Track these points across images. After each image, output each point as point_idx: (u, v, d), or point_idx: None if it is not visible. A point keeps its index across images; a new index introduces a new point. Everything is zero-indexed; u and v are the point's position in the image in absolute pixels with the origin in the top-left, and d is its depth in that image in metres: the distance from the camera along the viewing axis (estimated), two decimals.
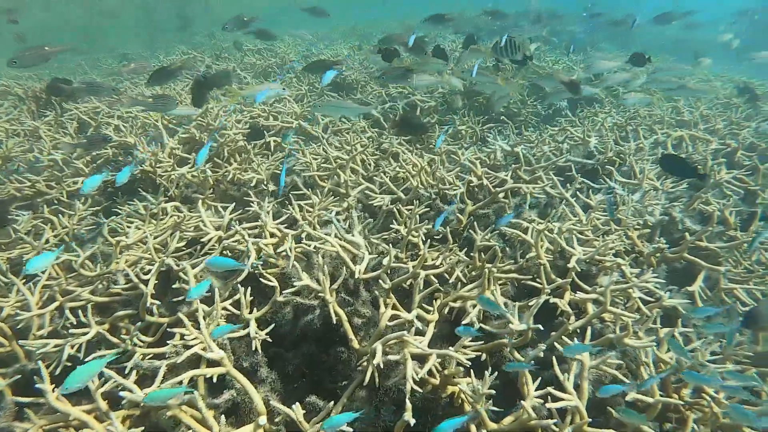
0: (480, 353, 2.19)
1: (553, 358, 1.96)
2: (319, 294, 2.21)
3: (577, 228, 2.76)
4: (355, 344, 2.16)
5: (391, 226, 2.70)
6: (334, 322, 2.17)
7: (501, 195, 3.12)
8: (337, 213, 3.08)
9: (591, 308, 2.32)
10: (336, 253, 2.43)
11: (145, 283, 2.27)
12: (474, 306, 2.28)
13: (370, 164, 3.62)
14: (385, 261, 2.31)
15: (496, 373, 1.84)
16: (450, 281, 2.50)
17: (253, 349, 2.12)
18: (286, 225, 2.87)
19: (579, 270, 2.48)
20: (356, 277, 2.27)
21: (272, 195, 3.55)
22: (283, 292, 2.25)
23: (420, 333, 2.14)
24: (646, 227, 3.10)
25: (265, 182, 3.55)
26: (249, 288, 2.27)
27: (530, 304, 2.31)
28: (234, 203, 3.20)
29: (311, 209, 2.92)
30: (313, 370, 2.41)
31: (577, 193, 3.16)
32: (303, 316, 2.34)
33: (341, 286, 2.39)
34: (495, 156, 3.67)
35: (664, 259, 2.96)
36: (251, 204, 2.96)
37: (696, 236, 2.90)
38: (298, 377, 2.43)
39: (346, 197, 3.17)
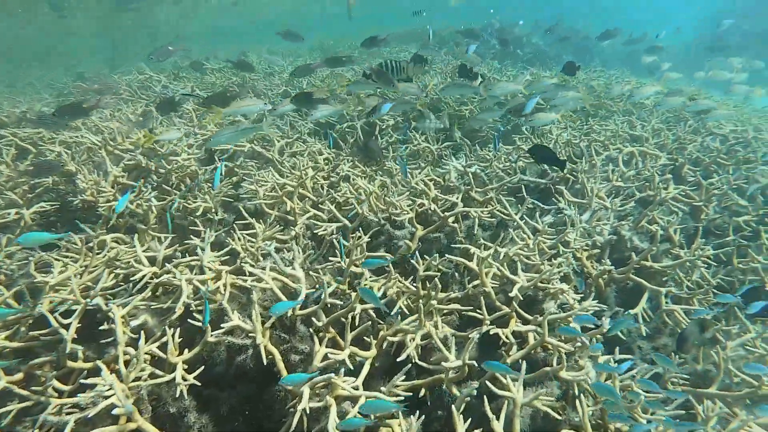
0: (413, 391, 2.14)
1: (484, 396, 1.91)
2: (250, 334, 2.13)
3: (524, 253, 2.74)
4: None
5: (331, 258, 2.64)
6: (265, 363, 2.09)
7: (451, 219, 3.08)
8: (285, 242, 3.02)
9: (532, 338, 2.28)
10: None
11: (67, 326, 2.16)
12: (413, 340, 2.23)
13: (322, 188, 3.56)
14: (327, 294, 2.24)
15: (423, 416, 1.78)
16: (392, 312, 2.44)
17: (177, 395, 2.02)
18: (228, 257, 2.80)
19: (521, 298, 2.44)
20: (289, 314, 2.20)
21: (220, 223, 3.47)
22: (213, 332, 2.16)
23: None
24: (595, 247, 3.09)
25: (213, 209, 3.47)
26: (178, 329, 2.19)
27: (470, 335, 2.27)
28: (174, 235, 3.13)
29: (253, 240, 2.84)
30: (251, 410, 2.33)
31: (525, 216, 3.14)
32: (237, 355, 2.26)
33: (277, 323, 2.32)
34: (449, 177, 3.64)
35: (612, 280, 2.96)
36: (198, 234, 2.88)
37: (640, 257, 2.90)
38: (235, 418, 2.34)
39: (293, 226, 3.10)
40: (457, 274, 2.87)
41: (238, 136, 3.50)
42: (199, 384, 2.12)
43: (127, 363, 2.05)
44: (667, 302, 2.82)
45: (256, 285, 2.32)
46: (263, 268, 2.42)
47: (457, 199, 3.21)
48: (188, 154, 4.01)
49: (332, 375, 1.87)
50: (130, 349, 2.13)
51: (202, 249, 2.74)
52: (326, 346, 2.19)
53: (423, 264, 2.52)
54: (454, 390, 2.13)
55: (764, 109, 6.10)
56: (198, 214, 3.34)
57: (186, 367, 2.20)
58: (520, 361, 2.22)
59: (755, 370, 2.33)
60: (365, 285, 2.54)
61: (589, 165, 3.80)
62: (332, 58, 4.29)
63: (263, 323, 2.23)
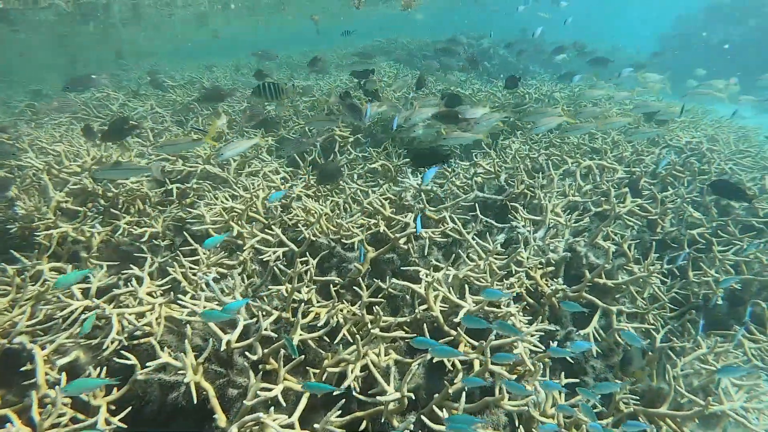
0: (356, 424, 2.05)
1: None
2: (179, 372, 2.02)
3: (474, 274, 2.68)
4: (222, 422, 1.98)
5: (270, 287, 2.55)
6: (195, 401, 1.99)
7: (402, 240, 3.02)
8: (233, 268, 2.92)
9: (478, 364, 2.22)
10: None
11: None
12: (353, 371, 2.14)
13: (275, 210, 3.47)
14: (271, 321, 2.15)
15: None
16: (335, 341, 2.36)
17: None
18: (169, 286, 2.70)
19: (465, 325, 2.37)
20: (223, 348, 2.10)
21: (168, 249, 3.35)
22: (141, 371, 2.05)
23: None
24: (549, 265, 3.05)
25: (160, 234, 3.35)
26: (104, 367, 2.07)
27: (413, 365, 2.19)
28: (114, 262, 3.02)
29: (195, 267, 2.74)
30: None
31: (478, 235, 3.09)
32: (170, 393, 2.14)
33: (213, 356, 2.22)
34: (405, 195, 3.58)
35: (566, 298, 2.91)
36: (137, 264, 2.77)
37: (593, 274, 2.87)
38: None
39: (241, 251, 3.01)
40: (408, 296, 2.80)
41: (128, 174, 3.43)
42: (125, 426, 2.00)
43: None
44: (619, 320, 2.79)
45: (188, 319, 2.21)
46: (200, 299, 2.32)
47: (410, 219, 3.15)
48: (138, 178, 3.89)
49: (260, 415, 1.77)
50: (52, 392, 2.00)
51: (137, 279, 2.64)
52: (269, 379, 2.10)
53: (368, 290, 2.45)
54: (395, 422, 2.05)
55: (722, 120, 6.20)
56: (144, 240, 3.22)
57: (114, 408, 2.10)
58: (467, 389, 2.17)
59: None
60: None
61: (547, 180, 3.78)
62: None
63: (197, 357, 2.13)
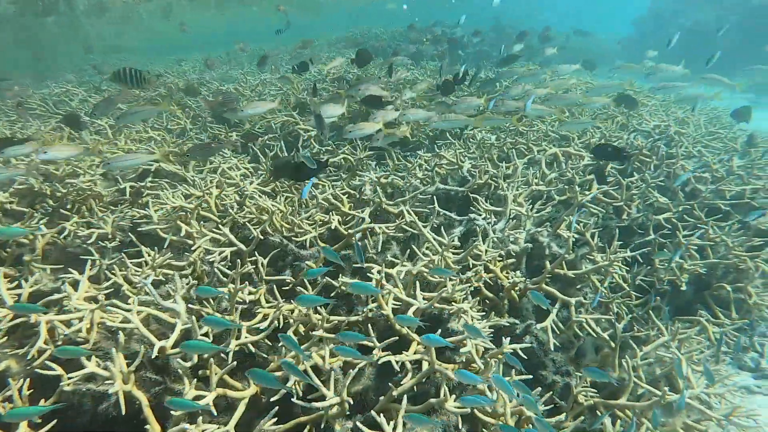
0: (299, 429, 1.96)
1: None
2: (107, 381, 1.92)
3: (428, 270, 2.59)
4: None
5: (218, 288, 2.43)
6: (124, 411, 1.88)
7: (357, 237, 2.92)
8: (182, 269, 2.81)
9: (426, 365, 2.13)
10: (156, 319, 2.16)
11: None
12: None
13: (232, 207, 3.35)
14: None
15: None
16: (280, 344, 2.26)
17: None
18: (112, 290, 2.58)
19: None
20: (155, 355, 2.00)
21: (117, 250, 3.22)
22: (66, 381, 1.94)
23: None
24: (510, 257, 2.98)
25: (110, 235, 3.22)
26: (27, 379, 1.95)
27: (360, 365, 2.11)
28: (58, 266, 2.89)
29: (139, 270, 2.62)
30: None
31: (436, 229, 3.00)
32: (100, 403, 2.04)
33: (147, 363, 2.11)
34: (364, 189, 3.48)
35: (526, 291, 2.84)
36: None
37: (553, 265, 2.79)
38: None
39: (191, 252, 2.89)
40: (363, 295, 2.71)
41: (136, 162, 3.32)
42: None
43: None
44: (580, 311, 2.72)
45: (120, 326, 2.10)
46: (133, 303, 2.20)
47: (366, 213, 3.05)
48: (91, 175, 3.76)
49: (185, 426, 1.67)
50: None
51: (73, 283, 2.52)
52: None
53: (318, 288, 2.35)
54: (337, 426, 1.96)
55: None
56: (91, 241, 3.09)
57: (40, 420, 1.98)
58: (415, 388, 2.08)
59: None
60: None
61: (512, 169, 3.69)
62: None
63: (129, 365, 2.02)
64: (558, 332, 2.62)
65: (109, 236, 3.21)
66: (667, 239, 3.44)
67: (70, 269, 2.66)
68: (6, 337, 2.26)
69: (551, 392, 2.50)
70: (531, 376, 2.19)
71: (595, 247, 3.06)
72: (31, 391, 1.99)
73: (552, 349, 2.49)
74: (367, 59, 5.40)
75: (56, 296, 2.38)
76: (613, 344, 2.65)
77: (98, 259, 2.85)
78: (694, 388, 2.43)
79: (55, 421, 1.93)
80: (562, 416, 2.36)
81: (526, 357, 2.28)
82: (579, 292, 2.96)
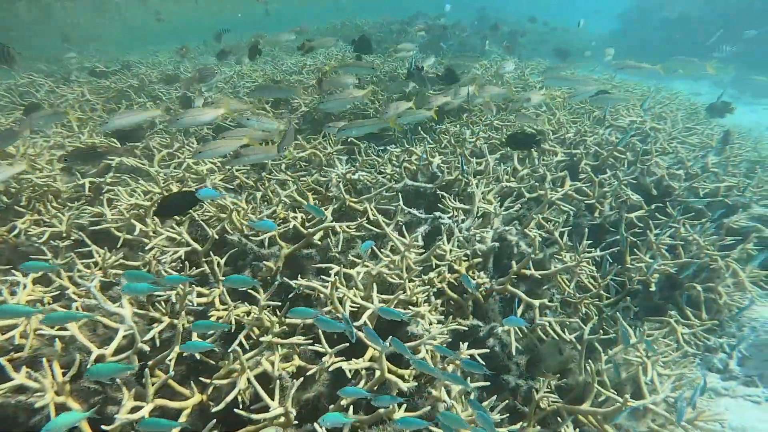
0: None
1: None
2: (37, 394, 1.81)
3: (388, 271, 2.51)
4: None
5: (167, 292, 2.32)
6: None
7: (316, 237, 2.82)
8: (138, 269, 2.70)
9: (378, 374, 2.05)
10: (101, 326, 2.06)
11: None
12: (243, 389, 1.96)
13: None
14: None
15: None
16: (229, 349, 2.17)
17: None
18: (58, 292, 2.47)
19: (370, 325, 2.20)
20: (91, 364, 1.89)
21: (72, 249, 3.09)
22: None
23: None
24: (476, 257, 2.90)
25: (63, 234, 3.09)
26: None
27: (309, 371, 2.02)
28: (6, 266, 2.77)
29: (87, 271, 2.51)
30: None
31: (401, 228, 2.91)
32: (33, 416, 1.93)
33: (83, 375, 2.00)
34: (331, 185, 3.38)
35: (491, 292, 2.77)
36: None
37: (519, 265, 2.72)
38: None
39: (147, 251, 2.78)
40: (322, 296, 2.62)
41: None
42: None
43: None
44: (545, 314, 2.66)
45: (56, 333, 1.99)
46: (83, 307, 2.10)
47: (329, 212, 2.96)
48: (49, 171, 3.62)
49: None
50: None
51: (24, 286, 2.41)
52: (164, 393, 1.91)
53: (265, 293, 2.25)
54: None
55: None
56: (42, 240, 2.96)
57: None
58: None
59: None
60: None
61: (484, 165, 3.61)
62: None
63: (65, 374, 1.91)
64: (522, 335, 2.55)
65: (63, 234, 3.08)
66: (638, 238, 3.39)
67: (14, 271, 2.54)
68: None
69: (514, 397, 2.45)
70: (489, 384, 2.11)
71: (564, 246, 2.99)
72: None
73: (514, 352, 2.42)
74: (368, 46, 5.26)
75: None
76: (579, 347, 2.59)
77: (51, 259, 2.75)
78: (659, 392, 2.38)
79: None
80: (524, 423, 2.30)
81: (483, 363, 2.21)
82: (546, 291, 2.89)
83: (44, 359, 1.86)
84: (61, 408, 1.88)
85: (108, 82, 6.14)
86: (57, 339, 1.99)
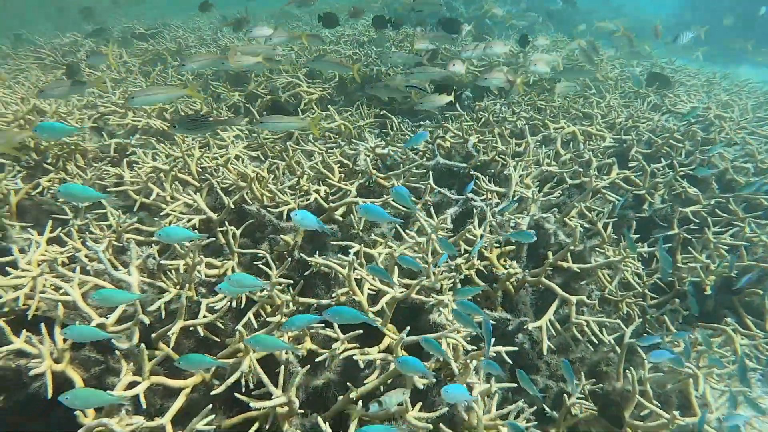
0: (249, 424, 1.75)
1: None
2: (35, 360, 1.72)
3: (412, 254, 2.32)
4: (87, 419, 1.67)
5: (164, 263, 2.21)
6: (50, 394, 1.69)
7: (338, 212, 2.66)
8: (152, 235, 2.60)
9: (393, 366, 1.88)
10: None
11: None
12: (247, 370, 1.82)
13: (216, 171, 3.11)
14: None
15: None
16: (238, 327, 2.03)
17: None
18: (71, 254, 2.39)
19: (388, 313, 2.03)
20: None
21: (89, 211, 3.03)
22: None
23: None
24: (509, 244, 2.68)
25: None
26: None
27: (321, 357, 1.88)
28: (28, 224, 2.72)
29: (99, 234, 2.42)
30: None
31: (418, 208, 2.71)
32: (34, 381, 1.86)
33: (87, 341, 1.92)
34: (359, 159, 3.19)
35: (525, 283, 2.55)
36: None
37: (556, 257, 2.49)
38: None
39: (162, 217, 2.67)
40: (340, 276, 2.46)
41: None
42: None
43: None
44: (582, 312, 2.43)
45: (58, 298, 1.90)
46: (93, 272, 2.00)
47: (354, 186, 2.78)
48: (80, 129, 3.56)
49: (102, 420, 1.47)
50: None
51: (38, 245, 2.34)
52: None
53: (278, 268, 2.10)
54: (286, 426, 1.74)
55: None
56: (63, 199, 2.89)
57: None
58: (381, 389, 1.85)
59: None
60: None
61: (524, 146, 3.35)
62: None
63: (65, 341, 1.82)
64: (555, 333, 2.33)
65: None
66: (693, 235, 3.08)
67: (30, 230, 2.48)
68: None
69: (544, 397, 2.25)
70: (515, 385, 1.92)
71: (607, 238, 2.73)
72: None
73: (545, 351, 2.21)
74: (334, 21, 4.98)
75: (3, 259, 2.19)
76: (618, 350, 2.35)
77: (71, 219, 2.69)
78: (712, 411, 2.12)
79: None
80: (552, 430, 2.11)
81: (510, 362, 2.01)
82: (585, 288, 2.65)
83: (42, 325, 1.76)
84: (60, 376, 1.79)
85: (146, 45, 6.08)
86: (60, 304, 1.90)
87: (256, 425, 1.78)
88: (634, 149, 3.46)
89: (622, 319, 2.58)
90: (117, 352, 1.81)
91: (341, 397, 1.81)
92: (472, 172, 3.08)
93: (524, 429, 1.53)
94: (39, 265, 2.14)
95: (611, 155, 3.40)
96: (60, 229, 2.51)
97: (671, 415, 1.93)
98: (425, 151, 3.31)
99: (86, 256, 2.34)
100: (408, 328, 1.73)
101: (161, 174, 2.87)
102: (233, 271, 2.38)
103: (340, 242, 2.49)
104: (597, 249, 2.77)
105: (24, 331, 1.79)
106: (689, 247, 2.94)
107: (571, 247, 2.51)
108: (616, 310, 2.61)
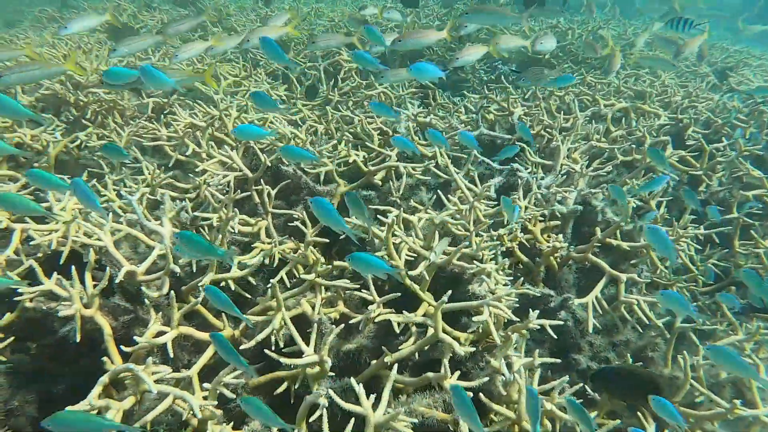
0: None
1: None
2: (64, 303, 1.69)
3: (453, 221, 2.21)
4: (109, 365, 1.63)
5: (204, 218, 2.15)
6: (78, 338, 1.66)
7: (377, 177, 2.56)
8: (187, 192, 2.56)
9: (431, 332, 1.78)
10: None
11: None
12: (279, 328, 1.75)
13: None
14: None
15: None
16: (268, 285, 1.97)
17: None
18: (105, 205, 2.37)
19: (427, 278, 1.93)
20: (120, 279, 1.75)
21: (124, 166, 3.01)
22: (26, 296, 1.73)
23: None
24: (554, 218, 2.54)
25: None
26: None
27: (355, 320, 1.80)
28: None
29: (134, 187, 2.39)
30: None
31: (460, 177, 2.58)
32: (62, 326, 1.83)
33: (118, 288, 1.88)
34: (398, 127, 3.07)
35: (569, 259, 2.41)
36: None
37: (605, 234, 2.34)
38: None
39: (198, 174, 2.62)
40: (377, 240, 2.37)
41: None
42: (4, 359, 1.72)
43: None
44: (630, 291, 2.28)
45: (90, 242, 1.86)
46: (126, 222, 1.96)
47: (394, 152, 2.67)
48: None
49: (129, 365, 1.42)
50: None
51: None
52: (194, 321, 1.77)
53: (314, 227, 2.02)
54: (314, 388, 1.67)
55: None
56: (100, 153, 2.88)
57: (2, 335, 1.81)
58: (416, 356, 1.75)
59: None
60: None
61: (572, 122, 3.17)
62: None
63: (95, 287, 1.79)
64: (600, 312, 2.19)
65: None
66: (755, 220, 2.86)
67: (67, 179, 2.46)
68: None
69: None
70: (559, 360, 1.80)
71: (660, 218, 2.56)
72: None
73: (591, 330, 2.08)
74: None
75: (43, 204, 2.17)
76: (667, 334, 2.20)
77: (106, 173, 2.67)
78: None
79: (12, 338, 1.74)
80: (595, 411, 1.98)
81: (555, 337, 1.89)
82: (633, 268, 2.49)
83: (73, 267, 1.73)
84: (88, 321, 1.76)
85: (187, 11, 6.06)
86: (91, 249, 1.86)
87: (284, 385, 1.72)
88: (691, 128, 3.24)
89: None
90: (146, 301, 1.77)
91: (374, 361, 1.73)
92: (516, 143, 2.93)
93: (581, 406, 1.41)
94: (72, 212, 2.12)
95: (666, 134, 3.20)
96: (95, 180, 2.49)
97: (731, 403, 1.78)
98: (468, 121, 3.17)
99: (119, 206, 2.32)
100: (450, 291, 1.63)
101: (197, 132, 2.82)
102: (266, 231, 2.31)
103: (378, 207, 2.39)
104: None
105: (54, 273, 1.76)
106: (751, 232, 2.74)
107: (622, 225, 2.35)
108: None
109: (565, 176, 2.67)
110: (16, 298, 1.72)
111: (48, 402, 1.90)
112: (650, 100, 3.52)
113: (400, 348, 1.74)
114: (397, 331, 1.79)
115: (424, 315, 1.90)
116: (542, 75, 2.84)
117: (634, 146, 2.98)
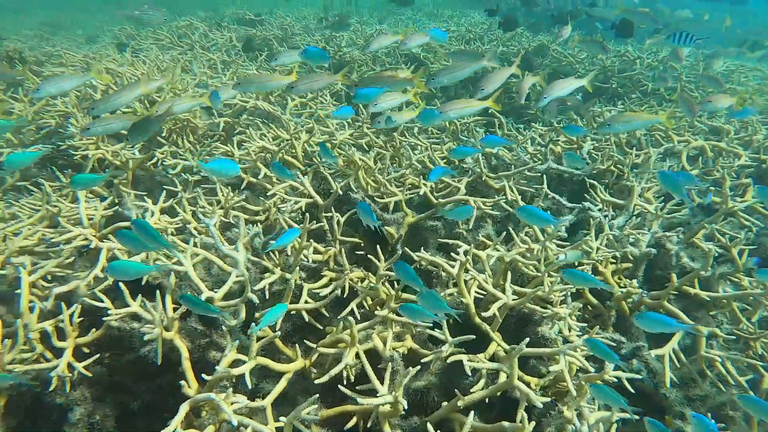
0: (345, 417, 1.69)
1: None
2: (148, 325, 1.76)
3: (523, 260, 2.17)
4: (187, 390, 1.69)
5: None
6: (159, 361, 1.72)
7: (447, 208, 2.55)
8: (257, 215, 2.63)
9: (503, 377, 1.75)
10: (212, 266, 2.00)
11: None
12: (353, 357, 1.76)
13: (318, 156, 3.10)
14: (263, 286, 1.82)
15: None
16: (340, 316, 1.99)
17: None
18: (180, 225, 2.46)
19: (499, 319, 1.90)
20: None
21: (198, 185, 3.12)
22: (111, 315, 1.81)
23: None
24: (626, 261, 2.45)
25: (194, 169, 3.12)
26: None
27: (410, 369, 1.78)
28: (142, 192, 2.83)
29: (208, 208, 2.47)
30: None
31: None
32: (144, 346, 1.90)
33: (192, 313, 1.94)
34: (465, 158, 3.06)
35: (641, 305, 2.32)
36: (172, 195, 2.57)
37: (683, 280, 2.24)
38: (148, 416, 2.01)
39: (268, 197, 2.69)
40: (444, 274, 2.35)
41: None
42: (89, 374, 1.79)
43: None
44: (710, 344, 2.17)
45: (172, 267, 1.93)
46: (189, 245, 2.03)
47: (463, 183, 2.66)
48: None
49: (211, 395, 1.46)
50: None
51: (152, 214, 2.43)
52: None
53: (385, 261, 2.03)
54: (386, 428, 1.66)
55: None
56: (174, 172, 3.00)
57: (87, 351, 1.89)
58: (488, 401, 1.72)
59: None
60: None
61: (643, 158, 3.08)
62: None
63: (175, 310, 1.85)
64: (678, 365, 2.10)
65: (194, 169, 3.12)
66: None
67: (144, 198, 2.58)
68: (73, 258, 2.20)
69: None
70: (638, 418, 1.73)
71: (742, 266, 2.43)
72: (81, 319, 1.90)
73: (668, 384, 1.99)
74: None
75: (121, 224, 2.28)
76: (751, 393, 2.08)
77: (180, 191, 2.77)
78: None
79: (97, 355, 1.82)
80: None
81: (633, 391, 1.82)
82: (711, 319, 2.38)
83: (158, 291, 1.80)
84: (168, 343, 1.82)
85: (254, 31, 6.28)
86: (172, 273, 1.93)
87: (353, 420, 1.72)
88: None
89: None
90: (223, 327, 1.81)
91: (445, 403, 1.71)
92: (586, 180, 2.87)
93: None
94: None
95: (747, 176, 3.05)
96: (170, 200, 2.59)
97: None
98: (535, 154, 3.13)
99: (195, 228, 2.40)
100: (527, 339, 1.59)
101: (269, 155, 2.90)
102: (335, 259, 2.33)
103: (445, 240, 2.38)
104: (728, 277, 2.48)
105: (139, 295, 1.84)
106: None
107: (702, 272, 2.25)
108: (748, 349, 2.31)
109: (638, 217, 2.58)
110: (104, 318, 1.80)
111: (124, 416, 1.98)
112: (728, 138, 3.37)
113: (471, 391, 1.72)
114: (468, 372, 1.76)
115: (493, 355, 1.87)
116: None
117: (713, 188, 2.86)
